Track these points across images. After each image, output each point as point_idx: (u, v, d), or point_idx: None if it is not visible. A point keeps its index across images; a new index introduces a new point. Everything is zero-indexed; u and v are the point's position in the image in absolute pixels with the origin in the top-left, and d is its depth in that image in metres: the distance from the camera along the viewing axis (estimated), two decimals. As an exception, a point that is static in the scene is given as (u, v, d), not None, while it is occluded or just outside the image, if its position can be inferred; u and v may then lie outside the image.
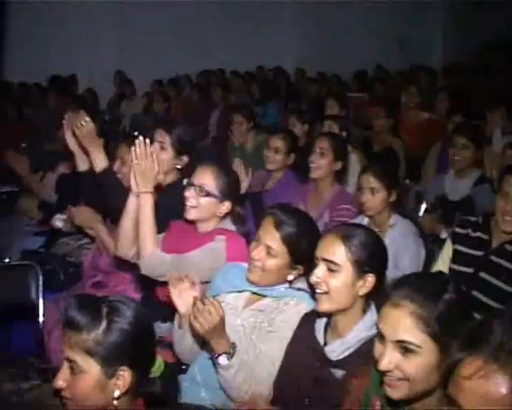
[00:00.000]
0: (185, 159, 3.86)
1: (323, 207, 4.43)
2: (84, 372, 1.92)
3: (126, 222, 3.31)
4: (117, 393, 1.95)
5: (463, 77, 12.41)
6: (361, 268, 2.37)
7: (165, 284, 3.24)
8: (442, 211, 4.52)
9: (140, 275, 3.36)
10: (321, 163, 4.50)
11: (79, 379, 1.92)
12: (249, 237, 3.28)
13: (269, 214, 2.80)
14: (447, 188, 4.87)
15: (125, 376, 1.95)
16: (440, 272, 2.81)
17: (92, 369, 1.92)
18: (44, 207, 5.34)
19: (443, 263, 3.52)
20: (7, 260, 4.50)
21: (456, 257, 3.49)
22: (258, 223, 2.86)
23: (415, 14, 15.87)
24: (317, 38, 14.18)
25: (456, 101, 7.69)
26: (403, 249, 3.76)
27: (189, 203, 3.27)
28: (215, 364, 2.62)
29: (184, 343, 2.88)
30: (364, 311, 2.41)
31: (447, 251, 3.53)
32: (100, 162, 3.73)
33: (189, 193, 3.28)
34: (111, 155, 4.12)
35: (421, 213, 4.58)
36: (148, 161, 3.21)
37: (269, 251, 2.72)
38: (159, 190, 3.47)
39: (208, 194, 3.25)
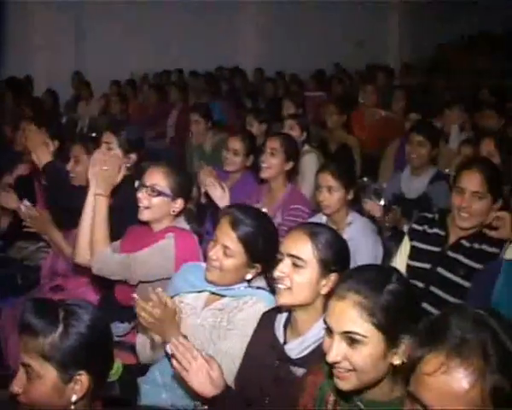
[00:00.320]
0: (133, 157, 3.95)
1: (276, 207, 4.44)
2: (40, 378, 1.89)
3: (85, 227, 3.35)
4: (74, 398, 1.92)
5: (420, 75, 12.57)
6: (326, 267, 2.38)
7: (122, 285, 3.25)
8: (400, 208, 4.55)
9: (98, 277, 3.36)
10: (272, 163, 4.50)
11: (35, 385, 1.89)
12: (203, 235, 3.30)
13: (225, 214, 2.81)
14: (404, 186, 4.92)
15: (82, 380, 1.92)
16: (386, 265, 2.84)
17: (49, 374, 1.89)
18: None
19: (400, 260, 3.55)
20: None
21: (414, 253, 3.53)
22: (215, 223, 2.87)
23: (372, 14, 15.99)
24: (277, 38, 14.19)
25: (413, 99, 7.80)
26: (361, 247, 3.77)
27: (141, 204, 3.30)
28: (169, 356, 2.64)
29: (148, 348, 2.88)
30: (324, 309, 2.42)
31: (405, 248, 3.57)
32: (43, 158, 3.95)
33: (141, 194, 3.30)
34: (66, 156, 4.14)
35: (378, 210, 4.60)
36: (112, 168, 3.32)
37: (226, 251, 2.72)
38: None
39: (160, 193, 3.28)
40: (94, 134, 4.71)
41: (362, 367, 1.87)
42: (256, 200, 4.49)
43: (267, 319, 2.60)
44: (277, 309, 2.53)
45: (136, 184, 3.40)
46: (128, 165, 3.87)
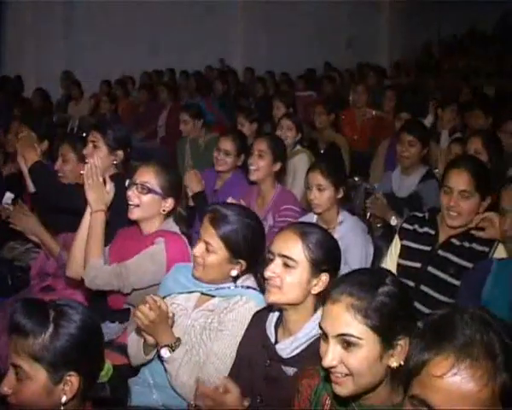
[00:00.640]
0: (120, 153, 3.97)
1: (267, 209, 4.44)
2: (30, 378, 1.89)
3: (80, 243, 3.33)
4: (64, 399, 1.92)
5: (411, 75, 12.62)
6: (317, 267, 2.38)
7: (115, 293, 3.24)
8: (391, 207, 4.56)
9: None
10: (260, 165, 4.48)
11: (25, 385, 1.89)
12: (192, 237, 3.31)
13: (208, 212, 2.82)
14: (395, 185, 4.94)
15: (72, 381, 1.92)
16: (380, 268, 2.84)
17: (39, 375, 1.89)
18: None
19: (391, 259, 3.56)
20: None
21: (404, 253, 3.53)
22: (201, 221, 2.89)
23: (362, 14, 16.02)
24: (267, 38, 14.21)
25: (403, 98, 7.82)
26: (351, 246, 3.78)
27: (131, 203, 3.30)
28: (162, 360, 2.67)
29: (140, 350, 2.87)
30: (316, 309, 2.42)
31: (395, 247, 3.58)
32: (31, 158, 3.96)
33: (132, 192, 3.30)
34: (55, 155, 4.15)
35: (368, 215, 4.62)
36: (97, 180, 3.31)
37: (208, 247, 2.74)
38: None
39: (150, 191, 3.28)
40: (83, 134, 4.70)
41: (358, 371, 1.87)
42: (246, 201, 4.49)
43: (258, 318, 2.60)
44: (269, 309, 2.54)
45: (127, 182, 3.39)
46: (115, 162, 3.91)
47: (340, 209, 3.98)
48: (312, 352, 2.29)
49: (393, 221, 4.29)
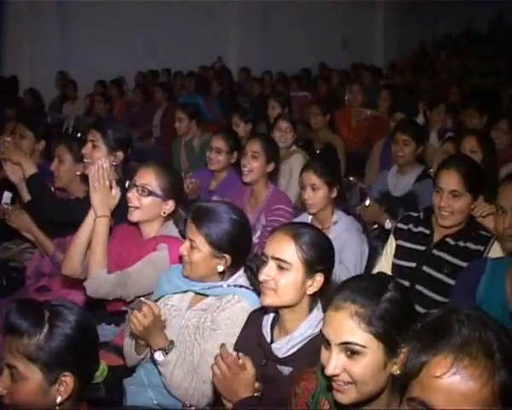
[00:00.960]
0: (119, 154, 3.84)
1: (260, 209, 4.44)
2: (25, 379, 1.89)
3: (79, 243, 3.28)
4: (59, 399, 1.92)
5: (405, 74, 12.63)
6: (311, 268, 2.38)
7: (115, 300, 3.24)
8: (386, 207, 4.57)
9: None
10: (253, 166, 4.48)
11: (20, 386, 1.89)
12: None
13: (191, 210, 2.84)
14: (390, 184, 4.95)
15: (67, 382, 1.92)
16: (381, 273, 2.84)
17: (33, 375, 1.89)
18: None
19: (386, 259, 3.56)
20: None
21: (399, 252, 3.54)
22: None
23: (357, 14, 16.03)
24: (262, 38, 14.22)
25: (398, 98, 7.84)
26: (346, 246, 3.79)
27: (131, 204, 3.25)
28: (155, 362, 2.67)
29: (133, 351, 2.87)
30: (311, 308, 2.42)
31: (390, 247, 3.58)
32: (28, 169, 3.90)
33: (132, 194, 3.25)
34: (51, 156, 4.12)
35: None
36: (103, 183, 3.25)
37: (192, 244, 2.75)
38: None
39: (150, 193, 3.23)
40: (78, 134, 4.69)
41: (362, 379, 1.85)
42: (240, 202, 4.49)
43: (254, 318, 2.60)
44: (265, 308, 2.53)
45: (127, 184, 3.36)
46: (114, 164, 3.79)
47: (334, 209, 3.98)
48: (307, 351, 2.30)
49: (388, 225, 4.28)
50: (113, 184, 3.34)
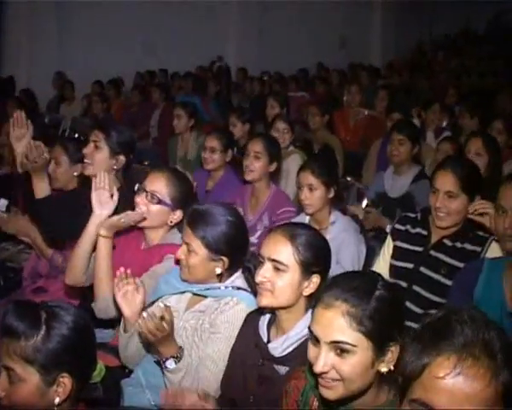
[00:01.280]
0: (121, 158, 3.72)
1: (262, 209, 4.44)
2: (22, 381, 1.89)
3: (80, 253, 3.18)
4: (57, 400, 1.92)
5: (403, 75, 12.63)
6: (308, 269, 2.38)
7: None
8: (383, 207, 4.58)
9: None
10: (256, 166, 4.48)
11: (18, 388, 1.89)
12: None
13: (187, 214, 2.84)
14: (387, 185, 4.95)
15: (65, 383, 1.92)
16: (370, 271, 2.83)
17: (31, 377, 1.89)
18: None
19: (384, 260, 3.56)
20: None
21: (397, 253, 3.54)
22: None
23: (355, 14, 16.04)
24: (260, 38, 14.22)
25: (396, 98, 7.85)
26: (344, 246, 3.78)
27: (138, 210, 3.17)
28: (162, 368, 2.62)
29: (130, 348, 2.86)
30: (307, 308, 2.42)
31: (388, 248, 3.58)
32: (40, 191, 3.75)
33: (140, 199, 3.19)
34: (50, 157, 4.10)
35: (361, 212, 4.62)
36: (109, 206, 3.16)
37: (189, 248, 2.74)
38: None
39: (160, 201, 3.18)
40: (76, 135, 4.67)
41: (350, 377, 1.86)
42: (239, 201, 4.49)
43: (251, 318, 2.60)
44: (261, 310, 2.54)
45: (136, 187, 3.26)
46: (115, 168, 3.69)
47: (332, 209, 3.98)
48: (304, 351, 2.30)
49: (389, 229, 4.27)
50: (114, 190, 3.24)
